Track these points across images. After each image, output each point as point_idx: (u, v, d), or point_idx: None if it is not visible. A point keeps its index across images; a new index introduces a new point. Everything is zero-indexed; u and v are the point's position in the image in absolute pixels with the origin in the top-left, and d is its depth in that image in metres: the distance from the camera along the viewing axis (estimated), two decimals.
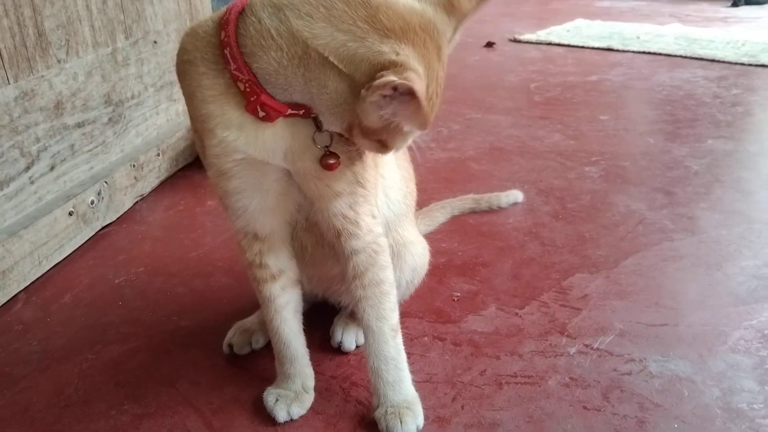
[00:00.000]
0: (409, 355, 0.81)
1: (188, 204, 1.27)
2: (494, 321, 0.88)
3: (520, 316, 0.89)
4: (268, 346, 0.83)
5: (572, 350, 0.82)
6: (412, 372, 0.78)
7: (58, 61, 1.08)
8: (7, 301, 0.96)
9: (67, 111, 1.10)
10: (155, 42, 1.35)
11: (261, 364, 0.81)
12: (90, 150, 1.16)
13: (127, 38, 1.26)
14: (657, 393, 0.74)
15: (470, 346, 0.83)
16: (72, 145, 1.12)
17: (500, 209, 1.20)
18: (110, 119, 1.22)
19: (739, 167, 1.36)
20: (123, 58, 1.25)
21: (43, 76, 1.05)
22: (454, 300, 0.93)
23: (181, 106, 1.45)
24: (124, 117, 1.26)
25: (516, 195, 1.21)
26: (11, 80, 0.98)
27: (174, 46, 1.41)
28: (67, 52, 1.10)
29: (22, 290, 0.99)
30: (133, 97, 1.28)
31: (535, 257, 1.03)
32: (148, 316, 0.92)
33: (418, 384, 0.76)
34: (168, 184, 1.35)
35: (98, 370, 0.82)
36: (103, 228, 1.16)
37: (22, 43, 1.00)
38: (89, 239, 1.13)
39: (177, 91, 1.43)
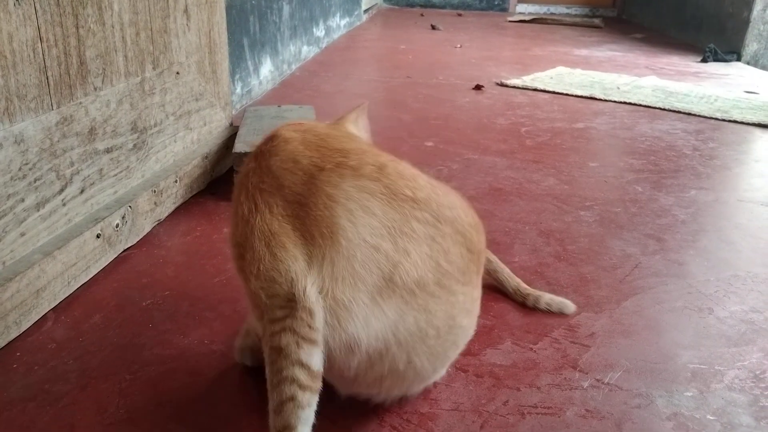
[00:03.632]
0: (435, 384, 0.87)
1: (204, 230, 1.31)
2: (511, 355, 0.94)
3: (535, 351, 0.96)
4: None
5: (585, 384, 0.89)
6: (440, 400, 0.84)
7: (95, 89, 1.12)
8: (38, 320, 0.99)
9: (98, 137, 1.14)
10: (178, 73, 1.40)
11: None
12: (115, 175, 1.20)
13: (154, 69, 1.31)
14: (664, 426, 0.81)
15: (491, 378, 0.89)
16: (101, 170, 1.16)
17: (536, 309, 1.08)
18: (135, 145, 1.26)
19: (720, 218, 1.47)
20: (149, 87, 1.29)
21: (81, 103, 1.09)
22: None
23: (195, 134, 1.50)
24: (147, 144, 1.30)
25: (568, 305, 1.07)
26: (54, 106, 1.02)
27: (193, 77, 1.47)
28: (103, 81, 1.15)
29: (50, 309, 1.01)
30: (155, 125, 1.33)
31: None
32: (180, 339, 0.96)
33: (446, 411, 0.82)
34: (182, 209, 1.39)
35: (138, 389, 0.85)
36: (124, 251, 1.20)
37: (66, 71, 1.04)
38: (112, 261, 1.16)
39: (193, 121, 1.48)
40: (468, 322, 0.76)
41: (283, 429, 0.64)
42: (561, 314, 1.05)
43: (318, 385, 0.66)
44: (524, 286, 1.09)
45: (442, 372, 0.82)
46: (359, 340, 0.66)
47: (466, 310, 0.74)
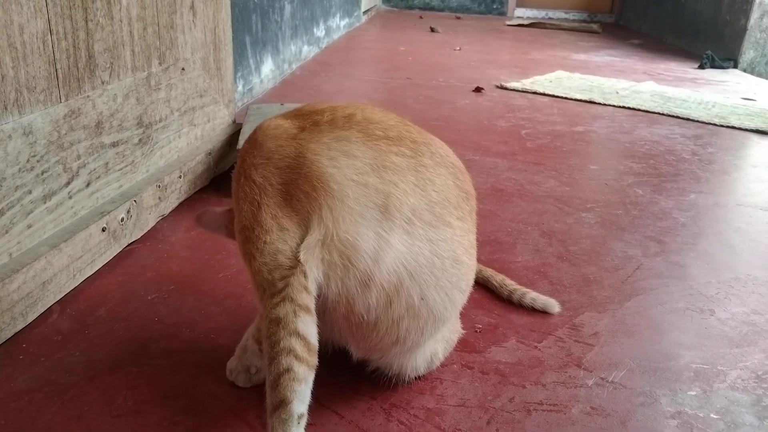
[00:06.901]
0: (441, 380, 0.87)
1: None
2: (516, 353, 0.95)
3: (539, 349, 0.96)
4: None
5: (590, 382, 0.89)
6: (446, 396, 0.84)
7: (102, 83, 1.13)
8: (43, 312, 0.99)
9: (105, 130, 1.14)
10: (183, 69, 1.40)
11: None
12: (121, 169, 1.20)
13: (160, 64, 1.31)
14: (669, 423, 0.82)
15: (497, 375, 0.90)
16: (106, 164, 1.16)
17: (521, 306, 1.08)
18: (140, 140, 1.26)
19: (720, 221, 1.48)
20: (155, 82, 1.30)
21: (88, 96, 1.09)
22: (477, 331, 1.00)
23: (199, 131, 1.50)
24: (152, 139, 1.30)
25: (553, 304, 1.08)
26: (63, 99, 1.03)
27: (198, 73, 1.47)
28: (110, 75, 1.15)
29: (56, 302, 1.01)
30: (160, 120, 1.33)
31: (546, 295, 1.11)
32: (186, 332, 0.96)
33: (453, 407, 0.82)
34: (186, 205, 1.39)
35: (145, 381, 0.85)
36: (128, 245, 1.20)
37: (75, 64, 1.05)
38: (116, 255, 1.16)
39: (197, 117, 1.49)
40: (468, 261, 0.78)
41: (279, 404, 0.64)
42: (545, 312, 1.06)
43: (314, 360, 0.67)
44: (509, 281, 1.11)
45: (451, 323, 0.84)
46: (372, 274, 0.69)
47: (465, 247, 0.76)
